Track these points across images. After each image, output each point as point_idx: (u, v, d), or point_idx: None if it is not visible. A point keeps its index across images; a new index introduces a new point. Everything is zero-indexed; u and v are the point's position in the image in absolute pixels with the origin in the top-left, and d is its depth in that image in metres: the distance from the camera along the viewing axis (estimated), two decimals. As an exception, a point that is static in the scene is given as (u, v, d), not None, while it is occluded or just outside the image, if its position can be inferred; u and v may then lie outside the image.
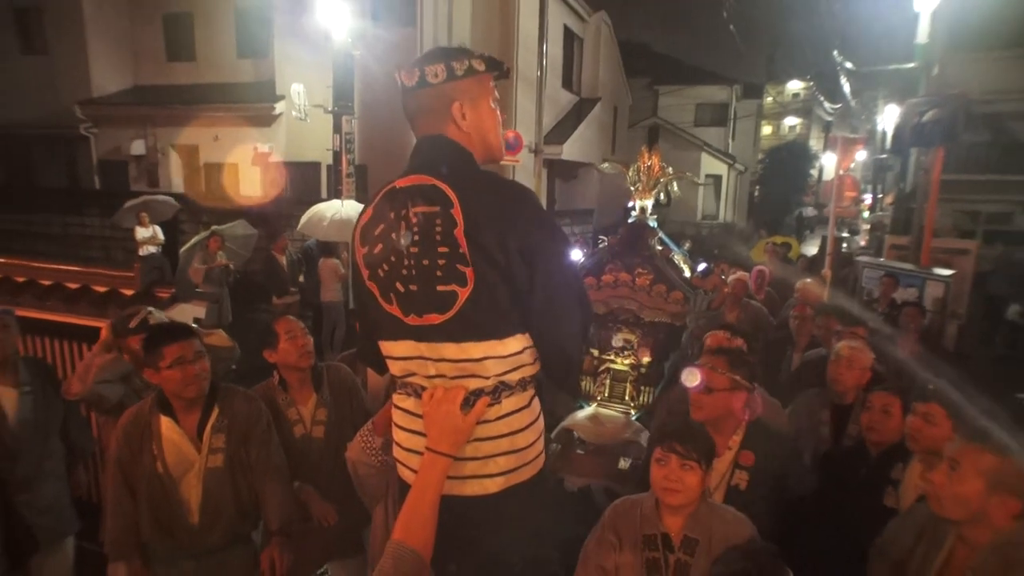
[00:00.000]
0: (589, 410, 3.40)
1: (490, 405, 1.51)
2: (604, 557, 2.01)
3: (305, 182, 13.28)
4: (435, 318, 1.47)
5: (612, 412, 3.39)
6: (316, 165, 12.90)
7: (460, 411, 1.47)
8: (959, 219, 15.82)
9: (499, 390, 1.52)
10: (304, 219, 7.94)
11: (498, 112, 1.60)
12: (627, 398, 3.52)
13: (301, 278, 8.66)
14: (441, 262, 1.44)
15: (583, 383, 3.66)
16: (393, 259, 1.50)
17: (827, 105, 20.73)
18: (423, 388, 1.55)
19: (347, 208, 7.87)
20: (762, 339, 5.35)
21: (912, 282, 7.11)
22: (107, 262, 12.63)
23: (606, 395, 3.56)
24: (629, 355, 3.50)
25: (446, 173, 1.47)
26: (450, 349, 1.48)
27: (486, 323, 1.47)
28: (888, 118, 13.79)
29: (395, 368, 1.60)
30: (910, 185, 12.20)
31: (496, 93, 1.61)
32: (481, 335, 1.47)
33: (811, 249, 16.47)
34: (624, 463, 3.15)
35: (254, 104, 13.27)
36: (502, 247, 1.43)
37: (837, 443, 3.05)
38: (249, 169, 13.63)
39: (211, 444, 2.40)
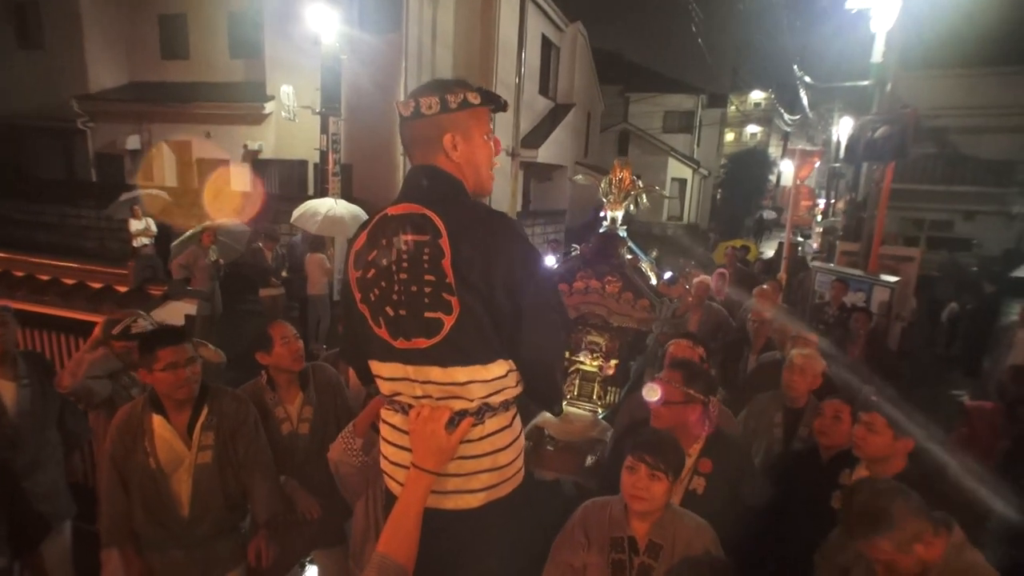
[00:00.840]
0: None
1: (474, 425, 1.52)
2: (572, 555, 2.03)
3: (293, 180, 13.14)
4: (422, 342, 1.47)
5: (580, 411, 3.42)
6: (304, 163, 12.79)
7: (445, 431, 1.48)
8: (905, 226, 16.18)
9: (483, 411, 1.52)
10: (297, 213, 7.90)
11: (492, 145, 1.58)
12: (595, 397, 3.55)
13: (285, 272, 8.57)
14: (428, 290, 1.44)
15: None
16: (384, 284, 1.49)
17: (786, 116, 20.97)
18: (410, 405, 1.55)
19: (340, 207, 7.86)
20: (722, 339, 5.45)
21: (861, 287, 7.27)
22: (101, 252, 12.38)
23: (575, 394, 3.60)
24: (597, 357, 3.54)
25: (437, 203, 1.46)
26: (436, 372, 1.48)
27: (471, 349, 1.47)
28: (843, 130, 14.00)
29: (384, 387, 1.60)
30: (861, 194, 12.42)
31: (491, 127, 1.59)
32: (466, 360, 1.47)
33: (769, 251, 16.71)
34: (591, 460, 3.18)
35: (245, 103, 13.06)
36: (487, 280, 1.42)
37: (788, 444, 3.12)
38: (239, 166, 13.44)
39: (201, 441, 2.39)
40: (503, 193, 13.37)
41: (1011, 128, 16.14)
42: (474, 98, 1.50)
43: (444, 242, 1.42)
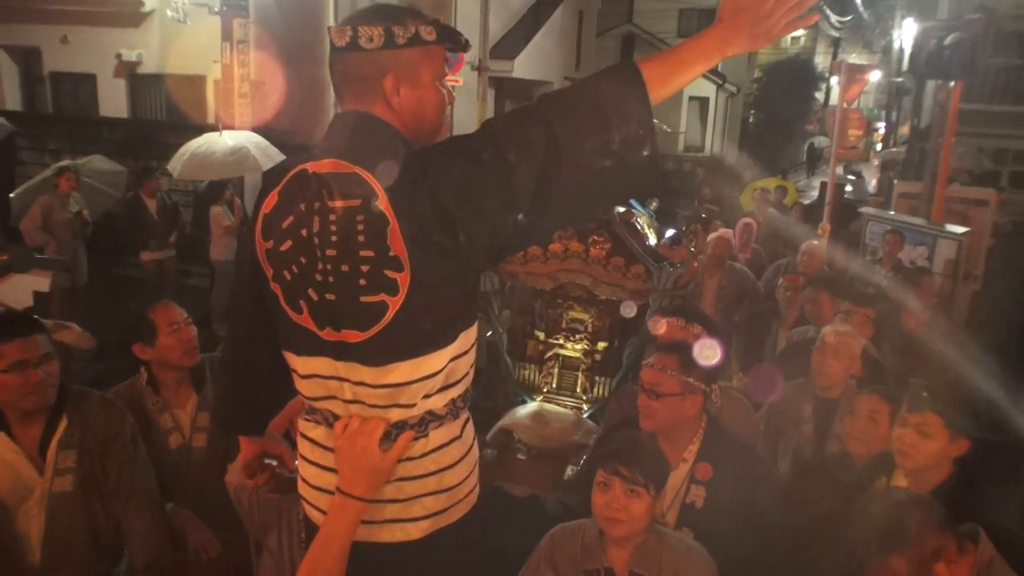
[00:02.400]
0: (532, 406, 3.48)
1: (415, 439, 1.54)
2: None
3: (186, 102, 12.80)
4: (354, 335, 1.48)
5: (559, 408, 3.48)
6: (200, 80, 12.45)
7: (379, 448, 1.49)
8: (983, 158, 16.39)
9: (426, 421, 1.54)
10: (177, 163, 7.64)
11: (446, 92, 1.58)
12: (578, 390, 3.62)
13: (185, 228, 8.47)
14: (365, 268, 1.44)
15: (526, 372, 3.74)
16: (304, 261, 1.49)
17: (833, 18, 20.93)
18: (336, 416, 1.56)
19: (234, 135, 7.66)
20: (746, 310, 5.53)
21: (922, 240, 7.38)
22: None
23: (553, 386, 3.66)
24: (581, 339, 3.59)
25: (369, 159, 1.46)
26: (368, 373, 1.49)
27: (416, 338, 1.48)
28: (907, 34, 14.05)
29: (305, 388, 1.60)
30: (924, 120, 12.55)
31: (446, 70, 1.59)
32: (408, 353, 1.48)
33: (811, 193, 16.85)
34: (573, 470, 3.25)
35: (116, -2, 12.62)
36: (449, 223, 1.41)
37: (821, 444, 3.20)
38: (111, 82, 13.05)
39: (57, 464, 2.36)
40: (467, 119, 13.24)
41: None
42: (428, 34, 1.50)
43: (384, 205, 1.42)
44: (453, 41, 1.56)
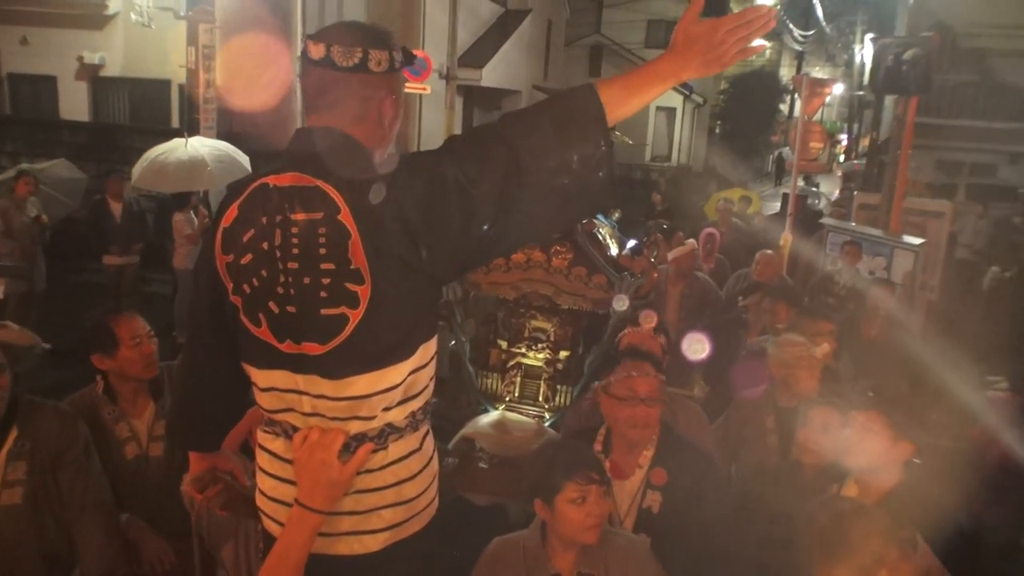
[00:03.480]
0: (495, 415, 3.48)
1: (374, 452, 1.54)
2: None
3: (150, 106, 12.66)
4: (314, 348, 1.48)
5: (521, 417, 3.48)
6: (165, 84, 12.32)
7: (338, 460, 1.49)
8: (941, 170, 16.78)
9: (385, 434, 1.55)
10: (138, 169, 7.50)
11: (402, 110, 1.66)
12: (541, 399, 3.64)
13: (152, 236, 8.35)
14: (325, 281, 1.45)
15: (489, 381, 3.74)
16: (265, 274, 1.50)
17: (797, 33, 21.33)
18: (295, 428, 1.56)
19: (195, 145, 7.45)
20: (708, 319, 5.58)
21: (880, 251, 7.53)
22: None
23: (516, 395, 3.66)
24: (543, 348, 3.60)
25: (333, 174, 1.47)
26: (328, 386, 1.50)
27: (376, 351, 1.49)
28: (867, 48, 14.36)
29: (265, 401, 1.61)
30: (884, 133, 12.82)
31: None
32: (368, 366, 1.49)
33: (773, 205, 17.08)
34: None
35: (78, 0, 12.43)
36: (412, 237, 1.43)
37: (786, 454, 3.24)
38: (72, 84, 12.84)
39: (7, 475, 2.32)
40: (435, 128, 13.25)
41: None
42: (406, 57, 1.58)
43: (346, 218, 1.43)
44: (411, 63, 1.63)
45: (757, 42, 1.49)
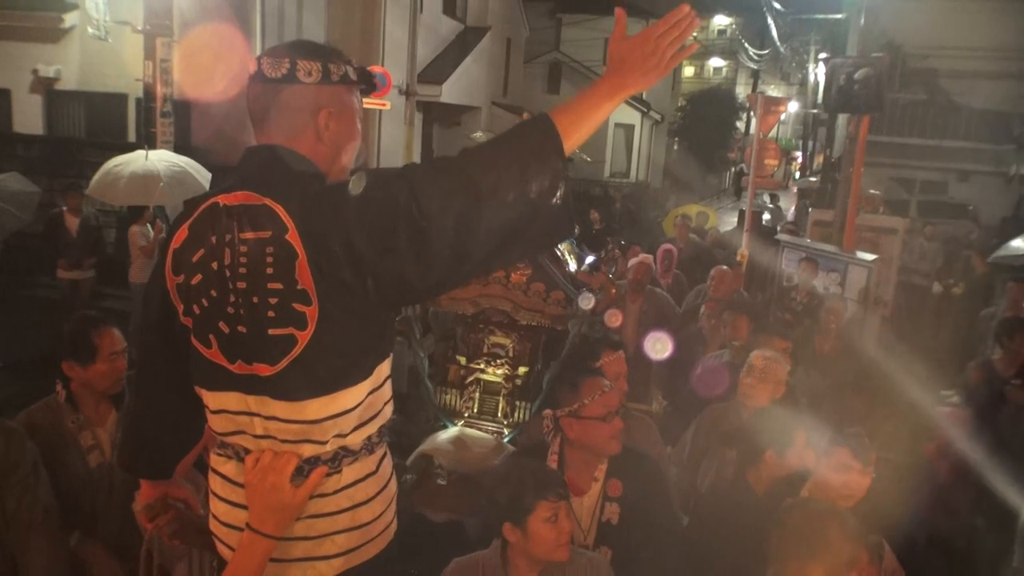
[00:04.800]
0: (453, 431, 3.47)
1: (328, 475, 1.53)
2: None
3: (106, 120, 12.46)
4: (265, 368, 1.47)
5: (480, 433, 3.48)
6: (121, 98, 12.15)
7: (290, 484, 1.48)
8: (893, 187, 17.19)
9: (339, 457, 1.54)
10: (96, 179, 7.36)
11: (359, 130, 1.63)
12: (499, 415, 3.63)
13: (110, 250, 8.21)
14: (273, 300, 1.44)
15: (448, 397, 3.73)
16: (215, 294, 1.49)
17: (752, 51, 21.79)
18: (247, 451, 1.54)
19: (153, 160, 7.34)
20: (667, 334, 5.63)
21: (834, 267, 7.66)
22: None
23: (475, 411, 3.66)
24: (502, 364, 3.61)
25: (282, 192, 1.46)
26: (280, 408, 1.48)
27: (327, 374, 1.48)
28: (821, 67, 14.70)
29: (216, 424, 1.58)
30: (837, 151, 13.10)
31: (362, 110, 1.64)
32: (320, 389, 1.47)
33: (731, 219, 17.33)
34: (488, 497, 3.26)
35: (34, 13, 12.21)
36: (356, 264, 1.41)
37: (743, 465, 3.29)
38: (26, 97, 12.60)
39: None
40: (394, 144, 13.24)
41: (1009, 74, 17.37)
42: (354, 73, 1.57)
43: (293, 238, 1.42)
44: (368, 84, 1.62)
45: (688, 41, 1.52)
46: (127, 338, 2.78)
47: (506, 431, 3.58)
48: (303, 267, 1.42)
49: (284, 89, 1.51)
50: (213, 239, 1.49)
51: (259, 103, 1.54)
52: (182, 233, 1.54)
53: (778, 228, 12.49)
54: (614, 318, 3.11)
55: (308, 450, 1.51)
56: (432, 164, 1.49)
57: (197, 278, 1.51)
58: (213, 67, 10.99)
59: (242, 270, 1.46)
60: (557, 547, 2.07)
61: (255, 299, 1.45)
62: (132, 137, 11.43)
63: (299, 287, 1.43)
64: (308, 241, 1.42)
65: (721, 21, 38.98)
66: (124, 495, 2.68)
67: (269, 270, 1.44)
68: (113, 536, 2.67)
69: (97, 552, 2.63)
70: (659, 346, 2.49)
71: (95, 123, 12.56)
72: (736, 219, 15.59)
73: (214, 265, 1.48)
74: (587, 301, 3.37)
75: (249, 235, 1.45)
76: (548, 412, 2.62)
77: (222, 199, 1.50)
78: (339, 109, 1.55)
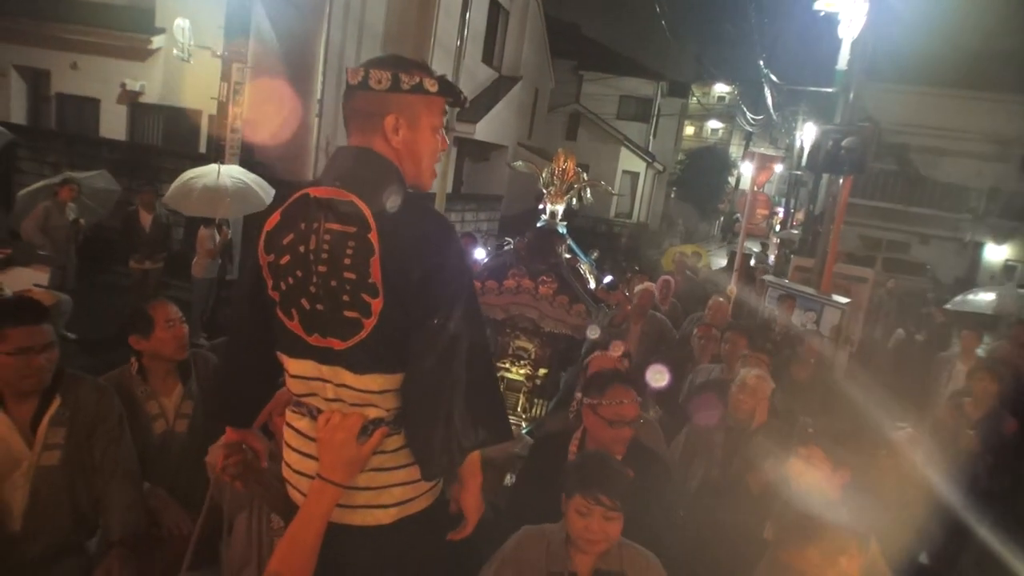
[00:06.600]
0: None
1: (388, 436, 1.55)
2: None
3: (181, 131, 12.57)
4: (338, 344, 1.50)
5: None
6: (196, 113, 12.26)
7: (356, 440, 1.50)
8: (863, 244, 17.29)
9: (399, 421, 1.56)
10: (172, 188, 7.39)
11: (440, 141, 1.63)
12: (519, 409, 3.63)
13: (178, 246, 8.24)
14: (347, 287, 1.47)
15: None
16: (299, 274, 1.52)
17: (749, 116, 21.94)
18: (319, 410, 1.57)
19: (225, 176, 7.35)
20: (664, 353, 5.65)
21: (811, 306, 7.68)
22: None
23: (497, 405, 3.66)
24: (525, 365, 3.61)
25: (367, 191, 1.48)
26: (350, 377, 1.51)
27: (388, 357, 1.50)
28: (807, 135, 14.79)
29: (293, 386, 1.62)
30: (819, 207, 13.14)
31: (444, 121, 1.63)
32: (383, 368, 1.51)
33: (720, 260, 17.35)
34: (511, 479, 3.24)
35: (126, 33, 12.37)
36: (412, 290, 1.46)
37: (728, 467, 3.29)
38: (113, 107, 12.74)
39: (47, 439, 2.26)
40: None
41: (969, 153, 17.70)
42: (431, 85, 1.54)
43: (373, 237, 1.45)
44: (453, 95, 1.61)
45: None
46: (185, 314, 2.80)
47: (524, 425, 3.57)
48: (376, 264, 1.45)
49: (359, 95, 1.54)
50: (302, 225, 1.51)
51: (345, 107, 1.58)
52: (275, 217, 1.57)
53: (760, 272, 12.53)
54: (616, 348, 3.13)
55: (372, 412, 1.54)
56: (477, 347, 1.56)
57: (285, 259, 1.53)
58: (278, 92, 11.15)
59: (324, 255, 1.48)
60: (584, 540, 2.02)
61: (333, 283, 1.48)
62: (203, 148, 11.53)
63: (370, 280, 1.46)
64: (385, 244, 1.45)
65: (722, 89, 39.24)
66: (179, 460, 2.71)
67: (347, 260, 1.46)
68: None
69: (165, 500, 2.64)
70: (658, 376, 2.53)
71: (171, 134, 12.68)
72: (725, 260, 15.60)
73: (301, 249, 1.51)
74: (594, 331, 3.42)
75: (335, 226, 1.48)
76: (579, 395, 2.63)
77: (312, 191, 1.52)
78: (408, 116, 1.55)
